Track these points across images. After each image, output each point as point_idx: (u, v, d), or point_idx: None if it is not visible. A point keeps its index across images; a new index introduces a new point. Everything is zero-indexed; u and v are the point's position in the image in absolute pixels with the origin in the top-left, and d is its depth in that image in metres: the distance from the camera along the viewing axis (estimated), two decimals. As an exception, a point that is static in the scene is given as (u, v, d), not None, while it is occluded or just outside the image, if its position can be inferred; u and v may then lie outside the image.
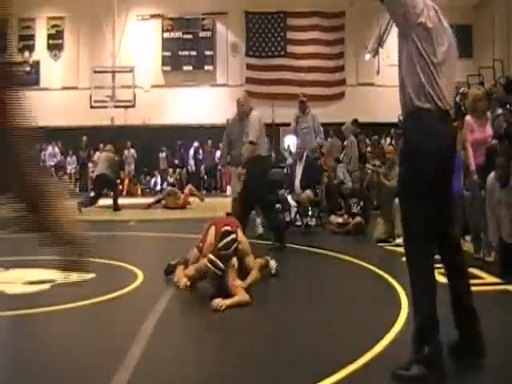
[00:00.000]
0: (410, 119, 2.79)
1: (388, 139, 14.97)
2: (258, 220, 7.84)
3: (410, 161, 2.76)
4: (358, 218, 7.93)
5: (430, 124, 2.70)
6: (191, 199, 13.13)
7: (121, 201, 12.58)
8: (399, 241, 6.96)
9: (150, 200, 13.37)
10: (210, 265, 4.01)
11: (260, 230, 7.72)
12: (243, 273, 4.39)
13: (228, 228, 4.34)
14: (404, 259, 6.07)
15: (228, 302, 3.81)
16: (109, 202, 12.12)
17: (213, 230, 4.60)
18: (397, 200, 7.02)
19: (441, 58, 2.71)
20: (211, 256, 4.06)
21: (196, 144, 18.87)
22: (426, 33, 2.67)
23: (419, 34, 2.67)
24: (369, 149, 14.27)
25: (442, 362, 2.67)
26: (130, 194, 17.41)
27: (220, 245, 4.10)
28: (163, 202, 12.83)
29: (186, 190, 13.31)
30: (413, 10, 2.66)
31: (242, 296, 3.93)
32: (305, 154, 8.83)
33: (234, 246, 4.15)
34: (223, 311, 3.72)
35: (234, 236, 4.20)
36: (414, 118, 2.75)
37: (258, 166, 6.43)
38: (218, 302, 3.76)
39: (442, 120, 2.73)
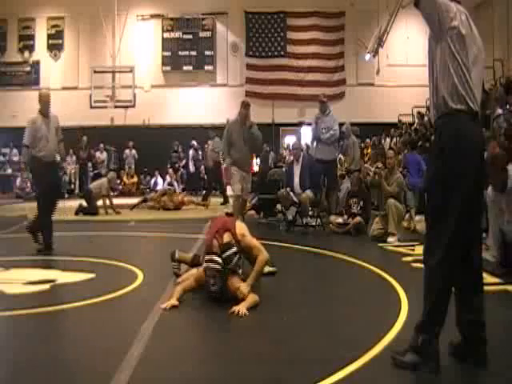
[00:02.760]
0: (444, 120, 2.82)
1: (388, 139, 14.95)
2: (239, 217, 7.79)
3: (442, 160, 2.78)
4: (358, 218, 7.94)
5: (464, 124, 2.76)
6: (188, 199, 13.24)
7: (117, 201, 12.54)
8: (391, 239, 6.98)
9: (136, 200, 13.28)
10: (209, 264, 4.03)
11: None
12: (252, 263, 4.46)
13: (228, 240, 4.37)
14: (404, 259, 6.09)
15: (245, 305, 3.82)
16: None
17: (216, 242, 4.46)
18: (391, 200, 7.10)
19: (472, 61, 2.78)
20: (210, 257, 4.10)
21: (195, 144, 18.85)
22: (460, 36, 2.75)
23: (453, 38, 2.75)
24: (369, 150, 14.29)
25: (437, 354, 2.72)
26: (130, 194, 17.42)
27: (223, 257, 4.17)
28: (149, 202, 12.72)
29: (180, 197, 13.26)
30: (447, 14, 2.74)
31: (252, 297, 3.96)
32: (301, 154, 8.81)
33: (236, 259, 4.22)
34: (244, 316, 3.71)
35: (234, 249, 4.25)
36: (448, 119, 2.79)
37: (38, 167, 6.75)
38: (239, 310, 3.74)
39: (473, 120, 2.80)
